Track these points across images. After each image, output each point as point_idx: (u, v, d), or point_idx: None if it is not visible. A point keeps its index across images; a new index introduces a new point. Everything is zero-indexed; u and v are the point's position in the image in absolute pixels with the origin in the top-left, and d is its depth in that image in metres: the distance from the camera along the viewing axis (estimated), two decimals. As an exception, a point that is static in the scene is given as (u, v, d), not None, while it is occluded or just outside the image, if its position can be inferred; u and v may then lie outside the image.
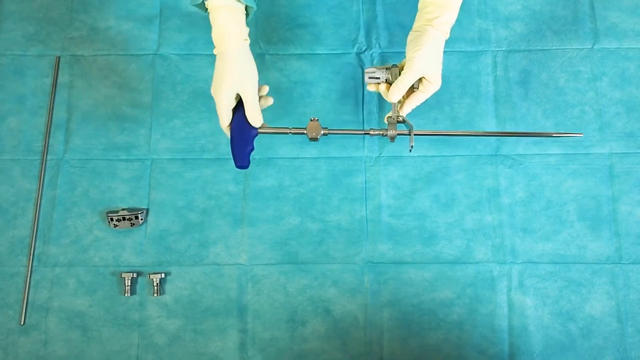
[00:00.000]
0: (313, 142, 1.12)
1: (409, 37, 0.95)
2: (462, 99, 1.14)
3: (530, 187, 1.11)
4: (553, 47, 1.16)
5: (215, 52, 0.93)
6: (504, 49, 1.16)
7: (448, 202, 1.11)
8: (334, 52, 1.17)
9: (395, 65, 0.97)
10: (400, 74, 0.94)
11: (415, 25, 0.96)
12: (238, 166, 0.96)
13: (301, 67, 1.17)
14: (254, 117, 0.94)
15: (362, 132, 1.00)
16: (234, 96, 0.93)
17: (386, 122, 0.96)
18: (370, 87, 0.99)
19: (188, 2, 0.92)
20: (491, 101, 1.14)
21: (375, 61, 1.16)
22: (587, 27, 1.17)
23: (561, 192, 1.10)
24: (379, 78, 0.96)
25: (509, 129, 1.13)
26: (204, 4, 0.92)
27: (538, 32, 1.17)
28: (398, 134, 0.96)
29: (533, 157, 1.11)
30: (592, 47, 1.16)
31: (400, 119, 0.95)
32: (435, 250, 1.09)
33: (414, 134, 0.95)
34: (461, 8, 1.16)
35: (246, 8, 0.94)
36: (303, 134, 0.97)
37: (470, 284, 1.08)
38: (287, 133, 0.98)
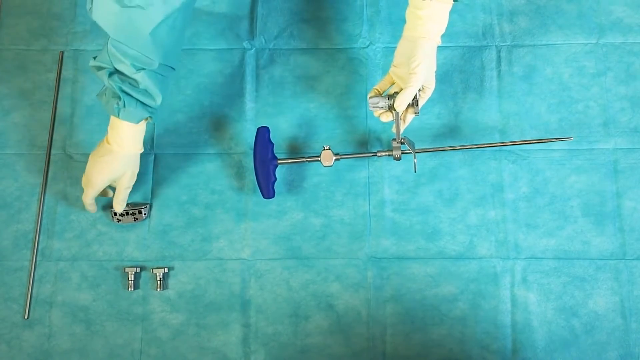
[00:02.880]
0: (315, 137, 1.13)
1: (402, 46, 0.98)
2: (466, 94, 1.14)
3: (534, 182, 1.10)
4: (558, 42, 1.16)
5: (108, 145, 0.99)
6: (508, 43, 1.16)
7: (451, 197, 1.10)
8: (337, 46, 1.17)
9: (396, 92, 1.00)
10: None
11: (407, 33, 0.98)
12: (265, 198, 1.07)
13: (304, 62, 1.16)
14: (120, 204, 1.05)
15: (370, 155, 1.07)
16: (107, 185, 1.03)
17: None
18: (376, 114, 1.04)
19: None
20: (495, 96, 1.14)
21: (379, 56, 1.16)
22: (592, 22, 1.16)
23: (565, 187, 1.10)
24: (382, 108, 1.01)
25: (513, 124, 1.12)
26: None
27: (543, 27, 1.16)
28: (403, 153, 1.03)
29: (537, 153, 1.11)
30: (597, 42, 1.15)
31: (402, 141, 1.03)
32: (439, 246, 1.09)
33: (416, 152, 1.02)
34: (465, 3, 1.17)
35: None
36: (317, 161, 1.06)
37: (473, 280, 1.07)
38: (303, 161, 1.08)
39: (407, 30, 0.98)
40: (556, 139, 1.05)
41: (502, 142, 1.10)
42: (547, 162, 1.11)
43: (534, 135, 1.12)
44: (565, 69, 1.15)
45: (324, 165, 1.06)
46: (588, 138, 1.12)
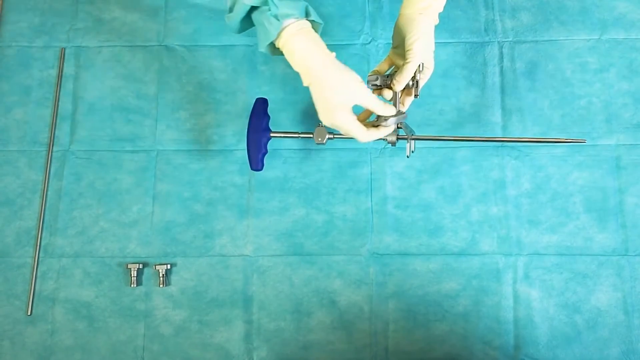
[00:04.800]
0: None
1: (399, 24, 0.95)
2: (468, 90, 1.14)
3: (536, 178, 1.10)
4: (560, 38, 1.16)
5: (305, 83, 0.89)
6: (510, 39, 1.16)
7: (454, 193, 1.10)
8: (339, 43, 1.16)
9: (395, 71, 0.97)
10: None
11: (405, 11, 0.95)
12: (253, 169, 1.03)
13: (306, 58, 1.16)
14: (384, 109, 0.92)
15: None
16: (351, 109, 0.91)
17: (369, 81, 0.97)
18: (375, 92, 0.99)
19: (262, 48, 0.90)
20: (497, 92, 1.14)
21: (381, 52, 1.15)
22: (595, 18, 1.16)
23: (567, 183, 1.10)
24: (380, 86, 0.97)
25: (515, 120, 1.12)
26: (274, 44, 0.89)
27: (545, 23, 1.16)
28: (399, 139, 0.98)
29: (539, 149, 1.11)
30: (599, 38, 1.15)
31: (399, 126, 0.98)
32: (441, 242, 1.09)
33: (413, 139, 0.99)
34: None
35: (313, 25, 0.91)
36: (311, 137, 1.02)
37: (475, 276, 1.07)
38: (296, 137, 1.05)
39: (404, 8, 0.96)
40: (569, 140, 1.01)
41: (506, 138, 1.09)
42: (549, 159, 1.11)
43: (536, 131, 1.12)
44: (568, 65, 1.14)
45: (317, 142, 1.02)
46: (590, 134, 1.11)
